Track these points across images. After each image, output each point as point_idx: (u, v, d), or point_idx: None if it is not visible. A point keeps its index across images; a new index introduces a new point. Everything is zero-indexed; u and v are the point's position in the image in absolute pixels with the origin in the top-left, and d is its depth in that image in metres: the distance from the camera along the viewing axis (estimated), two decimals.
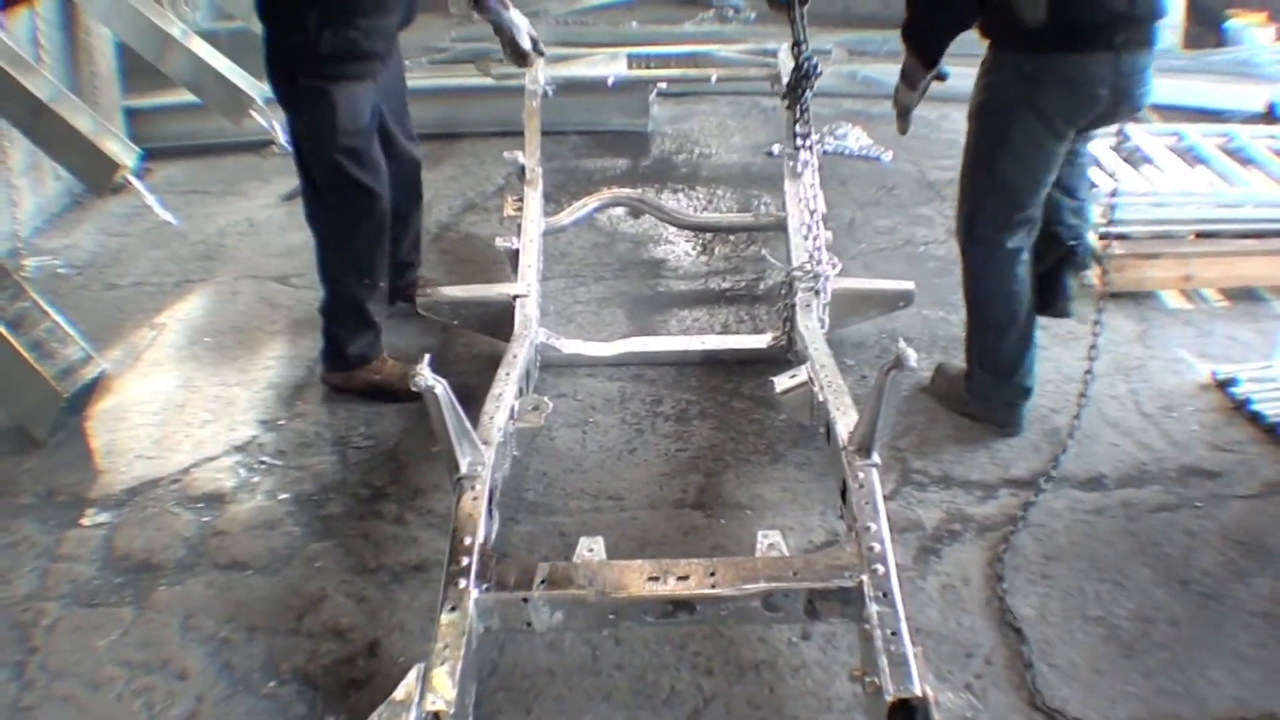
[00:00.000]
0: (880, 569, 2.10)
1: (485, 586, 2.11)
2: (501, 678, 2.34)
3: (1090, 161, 3.39)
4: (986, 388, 3.19)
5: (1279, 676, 2.35)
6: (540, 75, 4.75)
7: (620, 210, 4.46)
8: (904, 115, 3.19)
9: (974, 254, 3.12)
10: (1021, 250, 3.07)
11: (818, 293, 3.37)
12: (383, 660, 2.39)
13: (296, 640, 2.45)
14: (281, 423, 3.29)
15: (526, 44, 3.82)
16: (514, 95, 4.70)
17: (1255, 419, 3.25)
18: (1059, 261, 3.21)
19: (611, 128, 5.74)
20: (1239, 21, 6.78)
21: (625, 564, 2.20)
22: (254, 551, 2.74)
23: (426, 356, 2.19)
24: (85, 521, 2.87)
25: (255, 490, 2.98)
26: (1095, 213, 3.48)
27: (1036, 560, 2.69)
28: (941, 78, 3.07)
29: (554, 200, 4.51)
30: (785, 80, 4.01)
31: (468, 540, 2.19)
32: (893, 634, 1.96)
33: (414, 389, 2.17)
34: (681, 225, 4.37)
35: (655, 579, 2.13)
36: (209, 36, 5.42)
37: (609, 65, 5.45)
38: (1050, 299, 3.22)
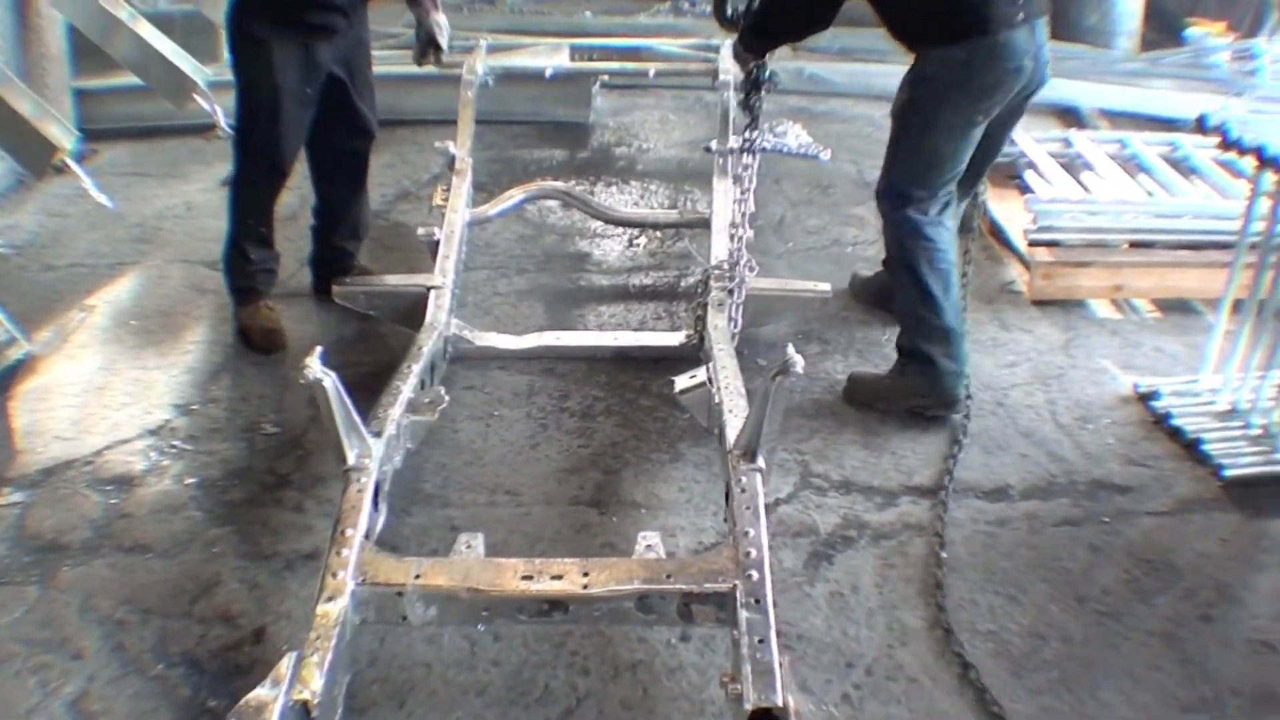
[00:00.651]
0: (755, 575, 2.10)
1: (362, 579, 2.13)
2: (380, 669, 2.37)
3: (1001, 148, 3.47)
4: (927, 365, 3.19)
5: (1172, 699, 2.32)
6: (479, 65, 4.78)
7: (553, 202, 4.51)
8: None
9: (901, 217, 3.19)
10: (946, 216, 3.20)
11: (731, 292, 3.38)
12: (268, 647, 2.43)
13: (188, 624, 2.50)
14: (195, 407, 3.34)
15: (444, 45, 3.81)
16: (458, 85, 4.69)
17: (1175, 434, 3.19)
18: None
19: (554, 118, 5.73)
20: (1198, 30, 6.83)
21: (500, 562, 2.20)
22: (156, 535, 2.79)
23: (317, 349, 2.22)
24: (0, 500, 2.92)
25: (164, 474, 3.03)
26: (1026, 219, 3.59)
27: (931, 570, 2.67)
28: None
29: (487, 190, 4.53)
30: (729, 79, 3.99)
31: (349, 532, 2.21)
32: (760, 641, 1.96)
33: (302, 381, 2.19)
34: (607, 219, 4.37)
35: (529, 578, 2.13)
36: (162, 19, 5.44)
37: (552, 56, 5.44)
38: None
